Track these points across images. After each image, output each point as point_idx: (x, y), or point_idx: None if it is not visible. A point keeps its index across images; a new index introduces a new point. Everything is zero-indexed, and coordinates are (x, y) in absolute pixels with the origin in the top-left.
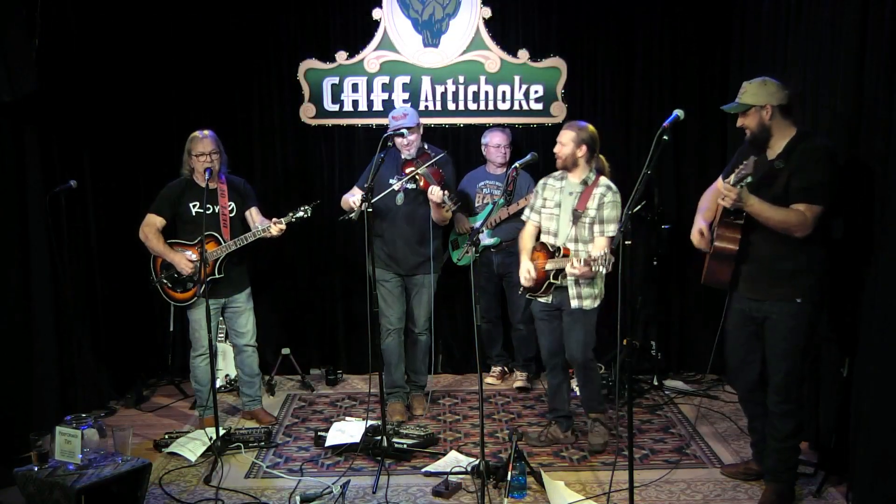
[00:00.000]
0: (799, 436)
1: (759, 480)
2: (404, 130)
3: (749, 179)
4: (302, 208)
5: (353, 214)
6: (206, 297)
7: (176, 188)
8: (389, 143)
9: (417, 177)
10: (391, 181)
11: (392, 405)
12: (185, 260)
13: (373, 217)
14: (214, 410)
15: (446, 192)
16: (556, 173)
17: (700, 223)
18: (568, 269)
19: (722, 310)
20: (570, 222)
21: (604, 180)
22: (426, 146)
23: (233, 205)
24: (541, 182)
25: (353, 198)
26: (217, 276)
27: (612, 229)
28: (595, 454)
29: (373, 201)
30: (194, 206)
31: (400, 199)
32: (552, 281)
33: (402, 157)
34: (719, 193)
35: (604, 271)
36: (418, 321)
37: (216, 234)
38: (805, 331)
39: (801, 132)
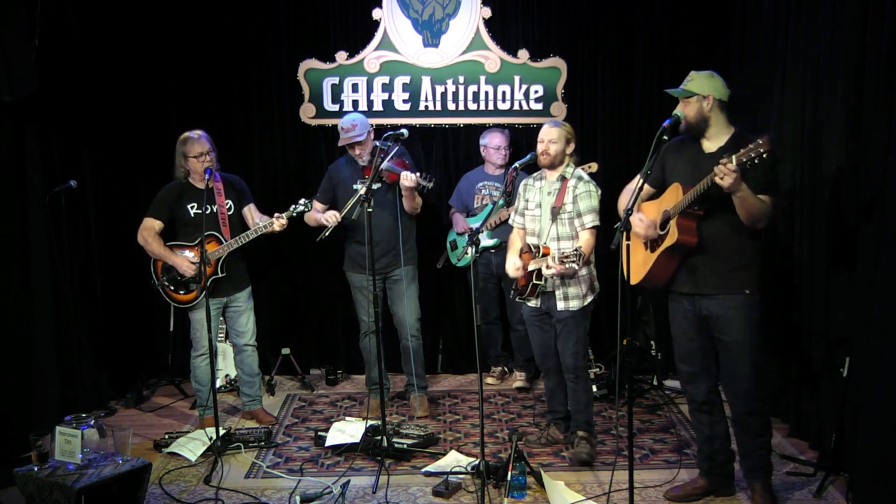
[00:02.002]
0: (770, 426)
1: (707, 497)
2: (404, 131)
3: (764, 156)
4: (301, 202)
5: (325, 233)
6: (208, 297)
7: (173, 191)
8: (380, 144)
9: (382, 174)
10: (356, 187)
11: (368, 400)
12: (186, 262)
13: (348, 223)
14: (214, 410)
15: (418, 173)
16: (535, 174)
17: (637, 213)
18: (544, 271)
19: None
20: (550, 221)
21: (576, 172)
22: (378, 143)
23: (230, 203)
24: (521, 184)
25: (319, 215)
26: (220, 274)
27: (590, 220)
28: (581, 464)
29: (343, 213)
30: (192, 207)
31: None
32: (535, 282)
33: (352, 165)
34: (644, 192)
35: (577, 268)
36: (406, 324)
37: (216, 234)
38: (758, 323)
39: (740, 130)
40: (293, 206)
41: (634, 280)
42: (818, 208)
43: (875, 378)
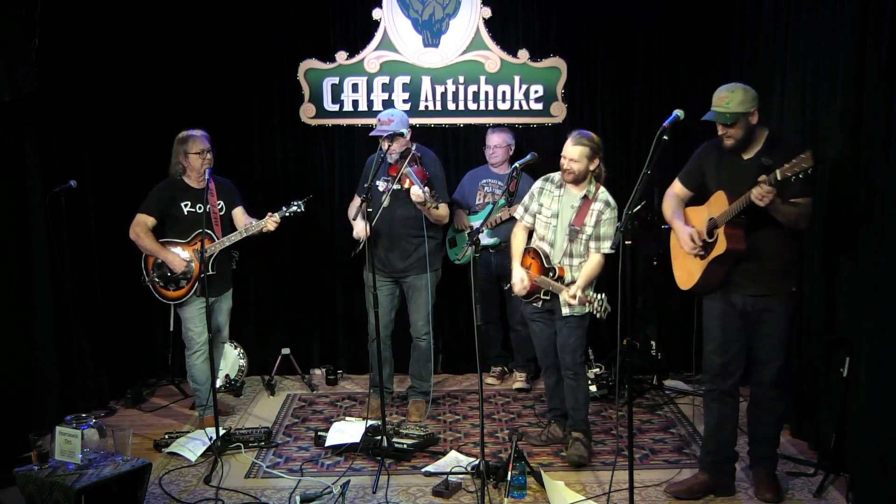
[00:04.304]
0: (785, 417)
1: (708, 495)
2: (403, 131)
3: (809, 172)
4: (295, 203)
5: (358, 248)
6: (206, 295)
7: (167, 188)
8: (388, 143)
9: (402, 177)
10: (377, 183)
11: (369, 400)
12: (178, 258)
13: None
14: (214, 409)
15: (426, 189)
16: (555, 178)
17: (688, 228)
18: (563, 297)
19: None
20: (566, 237)
21: (602, 194)
22: (414, 147)
23: (222, 203)
24: (538, 184)
25: (359, 224)
26: (210, 272)
27: (607, 246)
28: (574, 466)
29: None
30: (186, 205)
31: (387, 200)
32: (543, 297)
33: (387, 160)
34: (678, 198)
35: (598, 316)
36: (416, 326)
37: (210, 232)
38: (795, 318)
39: (773, 131)
40: (285, 207)
41: (685, 287)
42: (818, 208)
43: (875, 378)
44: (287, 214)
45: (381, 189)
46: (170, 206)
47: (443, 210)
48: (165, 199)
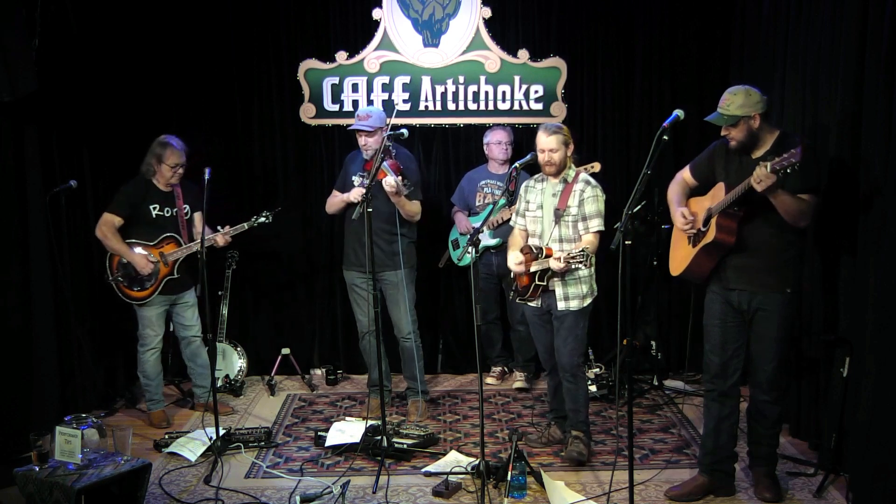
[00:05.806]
0: (782, 420)
1: (708, 496)
2: (404, 131)
3: (796, 167)
4: (264, 213)
5: (359, 208)
6: (206, 290)
7: (138, 189)
8: (388, 143)
9: (377, 171)
10: (353, 178)
11: (369, 401)
12: (144, 260)
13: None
14: (214, 408)
15: (399, 178)
16: (536, 175)
17: (681, 208)
18: (551, 264)
19: None
20: (552, 222)
21: (582, 176)
22: (391, 146)
23: (188, 207)
24: (523, 186)
25: (341, 196)
26: (175, 276)
27: (595, 224)
28: (573, 463)
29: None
30: (154, 208)
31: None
32: (538, 283)
33: (362, 156)
34: (685, 184)
35: (583, 269)
36: (399, 325)
37: (176, 236)
38: (793, 320)
39: (784, 132)
40: (255, 217)
41: (675, 272)
42: (818, 208)
43: (875, 378)
44: (255, 225)
45: (356, 184)
46: (139, 206)
47: (415, 207)
48: (136, 199)
